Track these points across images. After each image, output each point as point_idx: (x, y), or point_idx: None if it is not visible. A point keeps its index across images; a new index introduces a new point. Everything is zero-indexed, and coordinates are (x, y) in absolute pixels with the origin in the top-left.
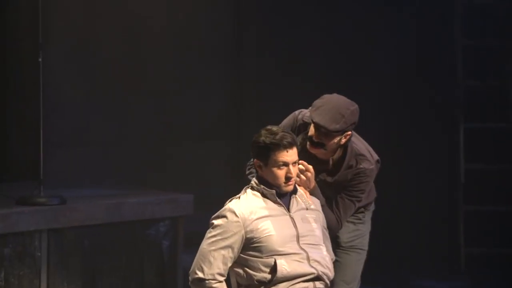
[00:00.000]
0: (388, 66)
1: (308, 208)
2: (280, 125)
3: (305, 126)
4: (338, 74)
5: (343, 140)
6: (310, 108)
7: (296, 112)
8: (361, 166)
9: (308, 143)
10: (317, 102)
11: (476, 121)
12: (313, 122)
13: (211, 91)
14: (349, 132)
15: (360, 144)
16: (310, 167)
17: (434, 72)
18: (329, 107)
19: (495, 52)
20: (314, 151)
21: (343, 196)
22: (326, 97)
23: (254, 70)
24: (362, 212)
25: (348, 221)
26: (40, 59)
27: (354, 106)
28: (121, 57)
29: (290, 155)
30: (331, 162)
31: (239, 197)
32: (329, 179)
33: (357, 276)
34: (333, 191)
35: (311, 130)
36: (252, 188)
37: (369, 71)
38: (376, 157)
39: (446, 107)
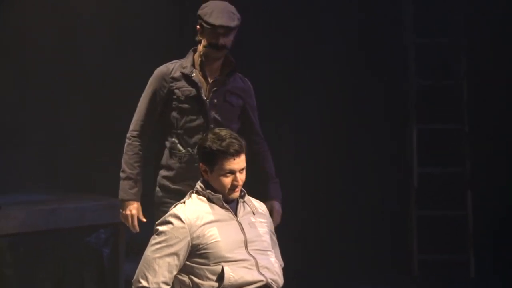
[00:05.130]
0: (336, 66)
1: (255, 213)
2: (143, 95)
3: (185, 76)
4: (283, 62)
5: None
6: (200, 20)
7: (158, 73)
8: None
9: (209, 50)
10: (204, 11)
11: (429, 122)
12: (215, 26)
13: None
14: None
15: None
16: None
17: (385, 72)
18: (220, 9)
19: (447, 51)
20: (218, 54)
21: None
22: (209, 4)
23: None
24: None
25: None
26: None
27: None
28: (56, 52)
29: (237, 162)
30: (218, 73)
31: (184, 202)
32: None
33: None
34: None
35: (209, 38)
36: (198, 193)
37: (316, 68)
38: None
39: (397, 107)
